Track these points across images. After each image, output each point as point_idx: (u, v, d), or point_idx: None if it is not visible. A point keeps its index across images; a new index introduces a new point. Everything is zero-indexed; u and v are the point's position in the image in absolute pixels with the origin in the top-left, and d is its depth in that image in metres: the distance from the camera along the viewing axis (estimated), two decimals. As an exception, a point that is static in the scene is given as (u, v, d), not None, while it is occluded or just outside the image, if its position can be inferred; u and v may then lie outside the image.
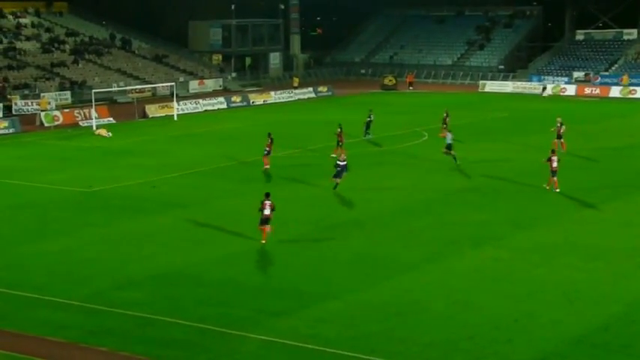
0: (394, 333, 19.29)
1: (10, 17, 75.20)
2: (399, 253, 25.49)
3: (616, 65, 76.50)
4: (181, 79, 72.13)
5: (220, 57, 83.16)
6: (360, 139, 46.07)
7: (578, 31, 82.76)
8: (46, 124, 53.80)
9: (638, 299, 21.47)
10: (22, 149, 45.68)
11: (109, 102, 62.83)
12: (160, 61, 76.54)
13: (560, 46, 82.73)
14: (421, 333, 19.27)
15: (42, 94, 60.81)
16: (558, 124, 41.72)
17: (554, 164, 32.94)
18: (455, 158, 38.25)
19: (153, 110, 58.94)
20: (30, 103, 58.67)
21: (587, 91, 71.32)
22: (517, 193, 33.35)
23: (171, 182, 36.04)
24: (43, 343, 18.93)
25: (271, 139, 38.09)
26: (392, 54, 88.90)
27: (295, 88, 72.54)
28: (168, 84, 64.73)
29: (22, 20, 75.36)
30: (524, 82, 75.47)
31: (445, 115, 46.51)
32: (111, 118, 55.80)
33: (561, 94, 71.66)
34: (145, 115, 58.10)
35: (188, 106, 61.50)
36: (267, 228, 26.29)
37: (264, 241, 26.31)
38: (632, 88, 70.26)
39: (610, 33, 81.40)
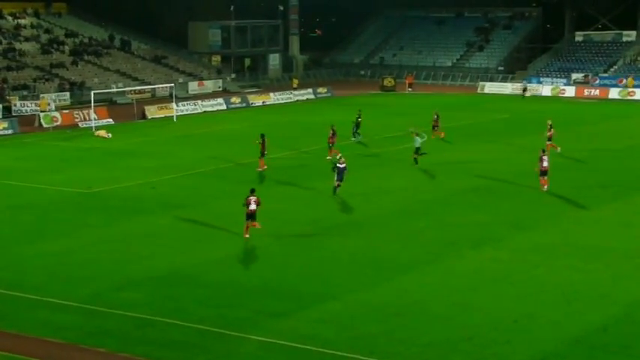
0: (393, 334, 19.29)
1: (10, 18, 75.21)
2: (398, 253, 25.50)
3: (615, 67, 76.57)
4: (180, 80, 72.13)
5: (219, 58, 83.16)
6: (358, 139, 46.01)
7: (577, 32, 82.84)
8: (45, 125, 53.77)
9: (638, 300, 21.49)
10: (21, 150, 45.67)
11: (109, 103, 62.82)
12: (159, 62, 76.55)
13: (559, 47, 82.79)
14: (420, 334, 19.28)
15: (41, 95, 60.77)
16: (549, 127, 41.78)
17: (545, 164, 33.04)
18: (416, 160, 38.20)
19: (152, 111, 58.94)
20: (29, 104, 58.65)
21: (587, 92, 71.39)
22: (516, 194, 33.37)
23: (171, 183, 36.04)
24: (42, 344, 18.92)
25: (263, 140, 38.00)
26: (391, 55, 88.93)
27: (294, 89, 72.54)
28: (168, 85, 64.72)
29: (22, 21, 75.37)
30: (523, 84, 75.43)
31: (435, 117, 46.41)
32: (110, 119, 55.78)
33: (560, 95, 71.73)
34: (144, 116, 58.10)
35: (187, 107, 61.49)
36: (256, 224, 26.76)
37: (247, 236, 26.77)
38: (630, 89, 70.33)
39: (609, 34, 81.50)
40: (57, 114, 55.57)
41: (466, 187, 34.67)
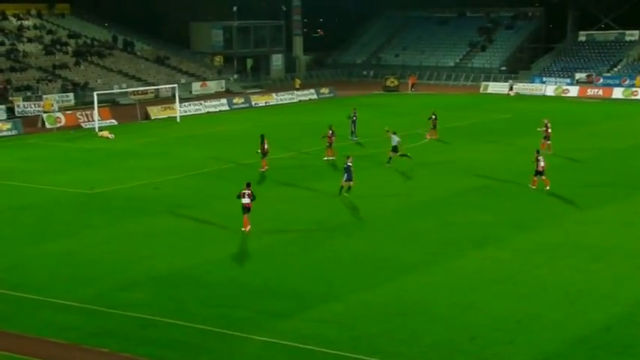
0: (395, 334, 19.31)
1: (13, 19, 75.34)
2: (400, 254, 25.51)
3: (618, 66, 76.48)
4: (183, 81, 72.20)
5: (222, 58, 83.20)
6: (361, 139, 46.03)
7: (581, 32, 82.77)
8: (48, 126, 53.86)
9: (640, 300, 21.48)
10: (24, 151, 45.75)
11: (112, 104, 62.90)
12: (162, 62, 76.63)
13: (562, 47, 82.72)
14: (423, 334, 19.28)
15: (44, 96, 60.88)
16: (545, 126, 41.76)
17: (542, 164, 33.11)
18: (390, 160, 38.30)
19: (155, 112, 59.01)
20: (32, 105, 58.78)
21: (590, 92, 71.33)
22: (518, 194, 33.35)
23: (174, 184, 36.08)
24: (45, 344, 18.96)
25: (262, 141, 37.99)
26: (394, 55, 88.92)
27: (297, 89, 72.56)
28: (171, 86, 64.80)
29: (25, 22, 75.49)
30: (525, 84, 75.48)
31: (433, 117, 46.37)
32: (113, 120, 55.86)
33: (563, 95, 71.67)
34: (147, 117, 58.17)
35: (190, 108, 61.55)
36: (246, 225, 27.38)
37: (244, 229, 27.40)
38: (634, 89, 70.25)
39: (612, 34, 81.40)
40: (60, 115, 55.68)
41: (468, 187, 34.67)
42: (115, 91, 65.68)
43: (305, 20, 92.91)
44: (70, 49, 73.30)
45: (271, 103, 67.53)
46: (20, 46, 70.73)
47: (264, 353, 18.42)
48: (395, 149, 38.39)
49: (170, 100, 62.58)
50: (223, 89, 74.50)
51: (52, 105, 58.63)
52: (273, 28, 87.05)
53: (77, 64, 70.59)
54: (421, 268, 24.05)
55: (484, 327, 19.62)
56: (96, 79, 68.40)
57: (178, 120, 57.11)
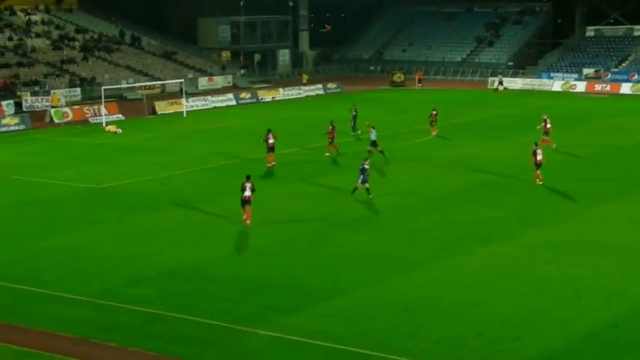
0: (402, 330, 19.32)
1: (21, 14, 75.49)
2: (407, 250, 25.51)
3: (626, 62, 76.19)
4: (190, 76, 72.25)
5: (229, 54, 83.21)
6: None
7: (588, 27, 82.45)
8: (56, 121, 54.03)
9: (647, 297, 21.44)
10: (32, 146, 45.89)
11: (119, 99, 63.01)
12: (169, 57, 76.70)
13: (569, 42, 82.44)
14: (429, 330, 19.30)
15: (52, 91, 61.04)
16: (544, 121, 41.64)
17: (539, 157, 33.15)
18: (383, 152, 38.48)
19: (162, 107, 59.08)
20: (40, 100, 58.94)
21: (597, 87, 71.12)
22: (525, 190, 33.29)
23: (181, 179, 36.14)
24: (53, 338, 19.06)
25: (266, 136, 37.99)
26: (401, 51, 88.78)
27: (304, 84, 72.53)
28: (178, 81, 64.85)
29: (33, 17, 75.64)
30: (533, 79, 75.30)
31: (434, 112, 46.24)
32: (120, 115, 55.96)
33: (571, 90, 71.48)
34: (154, 112, 58.26)
35: (197, 103, 61.60)
36: (247, 218, 27.64)
37: (248, 222, 27.72)
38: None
39: (620, 29, 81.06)
40: (67, 110, 55.82)
41: (474, 183, 34.63)
42: (122, 86, 65.76)
43: (312, 15, 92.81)
44: (77, 44, 73.42)
45: (278, 99, 67.53)
46: (28, 41, 70.87)
47: (270, 348, 18.47)
48: (374, 144, 38.86)
49: (177, 95, 62.65)
50: (230, 84, 74.53)
51: (60, 100, 58.78)
52: (280, 24, 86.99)
53: (85, 59, 70.72)
54: (427, 264, 24.05)
55: (491, 323, 19.62)
56: (103, 74, 68.50)
57: (185, 115, 57.17)
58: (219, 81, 74.21)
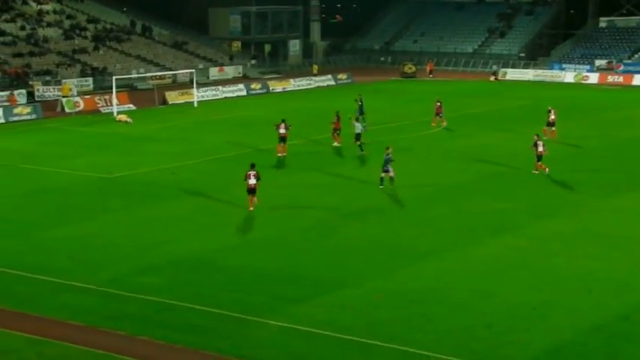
0: (411, 320, 19.33)
1: (33, 4, 75.60)
2: (416, 240, 25.50)
3: (639, 53, 75.66)
4: (201, 66, 72.26)
5: (240, 44, 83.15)
6: (378, 127, 45.87)
7: (601, 18, 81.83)
8: (67, 111, 54.19)
9: (658, 289, 21.35)
10: (43, 135, 46.06)
11: (130, 88, 63.10)
12: (179, 48, 76.71)
13: (582, 33, 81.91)
14: (439, 321, 19.30)
15: (63, 81, 61.19)
16: (549, 112, 41.44)
17: (540, 149, 33.09)
18: (361, 148, 38.23)
19: (173, 97, 59.14)
20: (52, 90, 59.11)
21: (610, 79, 70.68)
22: (535, 181, 33.18)
23: (191, 169, 36.21)
24: (63, 326, 19.17)
25: (278, 126, 37.98)
26: (412, 41, 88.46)
27: (315, 75, 72.38)
28: (188, 71, 64.87)
29: (44, 7, 75.74)
30: (545, 70, 74.93)
31: (438, 104, 46.03)
32: (131, 105, 56.04)
33: (583, 82, 71.08)
34: (164, 102, 58.32)
35: (208, 93, 61.61)
36: (254, 199, 28.09)
37: (251, 209, 28.17)
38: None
39: (634, 20, 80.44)
40: (79, 99, 55.94)
41: (484, 174, 34.54)
42: (133, 75, 65.86)
43: (323, 6, 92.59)
44: (89, 33, 73.52)
45: (289, 89, 67.44)
46: (40, 31, 71.02)
47: (279, 338, 18.51)
48: (358, 137, 38.79)
49: (187, 85, 62.66)
50: (240, 75, 74.50)
51: (71, 89, 58.94)
52: (290, 14, 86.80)
53: (96, 48, 70.83)
54: (437, 255, 24.03)
55: (500, 314, 19.60)
56: (114, 64, 68.61)
57: (195, 105, 57.22)
58: (230, 71, 74.19)
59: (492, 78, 72.74)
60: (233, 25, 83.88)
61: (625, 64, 73.14)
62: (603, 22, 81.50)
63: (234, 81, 69.61)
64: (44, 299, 20.86)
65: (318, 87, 69.23)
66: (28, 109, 52.71)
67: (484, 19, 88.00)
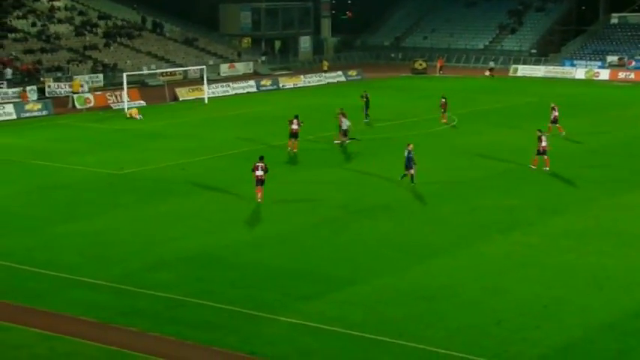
0: (422, 318, 19.32)
1: (44, 0, 75.87)
2: (427, 237, 25.47)
3: (651, 50, 75.30)
4: (211, 63, 72.34)
5: (250, 40, 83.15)
6: (387, 123, 45.82)
7: (613, 14, 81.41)
8: (78, 107, 54.36)
9: (670, 287, 21.25)
10: (54, 131, 46.23)
11: (140, 85, 63.25)
12: (190, 44, 76.82)
13: (593, 29, 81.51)
14: (449, 318, 19.27)
15: (74, 77, 61.40)
16: (552, 109, 41.28)
17: (543, 143, 33.19)
18: (342, 145, 38.28)
19: (183, 93, 59.25)
20: (63, 86, 59.31)
21: (621, 75, 70.31)
22: (546, 178, 33.07)
23: (202, 165, 36.28)
24: (75, 322, 19.25)
25: (291, 121, 38.00)
26: (422, 38, 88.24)
27: (325, 71, 72.33)
28: (199, 67, 64.96)
29: (56, 3, 75.99)
30: (556, 67, 74.62)
31: (443, 100, 45.93)
32: (142, 101, 56.18)
33: (594, 78, 70.75)
34: (175, 98, 58.44)
35: (218, 90, 61.71)
36: (260, 190, 28.66)
37: (259, 200, 28.69)
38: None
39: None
40: (90, 95, 56.11)
41: (495, 171, 34.45)
42: (143, 72, 66.00)
43: (333, 2, 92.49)
44: (100, 30, 73.72)
45: (299, 85, 67.45)
46: (51, 27, 71.25)
47: (290, 334, 18.54)
48: (345, 133, 38.86)
49: (198, 81, 62.75)
50: (251, 71, 74.53)
51: (82, 86, 59.11)
52: (301, 10, 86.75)
53: (107, 45, 71.01)
54: (448, 252, 23.99)
55: (511, 311, 19.56)
56: (125, 61, 68.75)
57: (206, 101, 57.30)
58: (241, 68, 74.23)
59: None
60: (243, 21, 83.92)
61: (637, 61, 72.72)
62: (615, 18, 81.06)
63: (244, 77, 69.67)
64: (55, 295, 20.96)
65: (328, 83, 69.21)
66: (39, 106, 52.92)
67: (495, 16, 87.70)
